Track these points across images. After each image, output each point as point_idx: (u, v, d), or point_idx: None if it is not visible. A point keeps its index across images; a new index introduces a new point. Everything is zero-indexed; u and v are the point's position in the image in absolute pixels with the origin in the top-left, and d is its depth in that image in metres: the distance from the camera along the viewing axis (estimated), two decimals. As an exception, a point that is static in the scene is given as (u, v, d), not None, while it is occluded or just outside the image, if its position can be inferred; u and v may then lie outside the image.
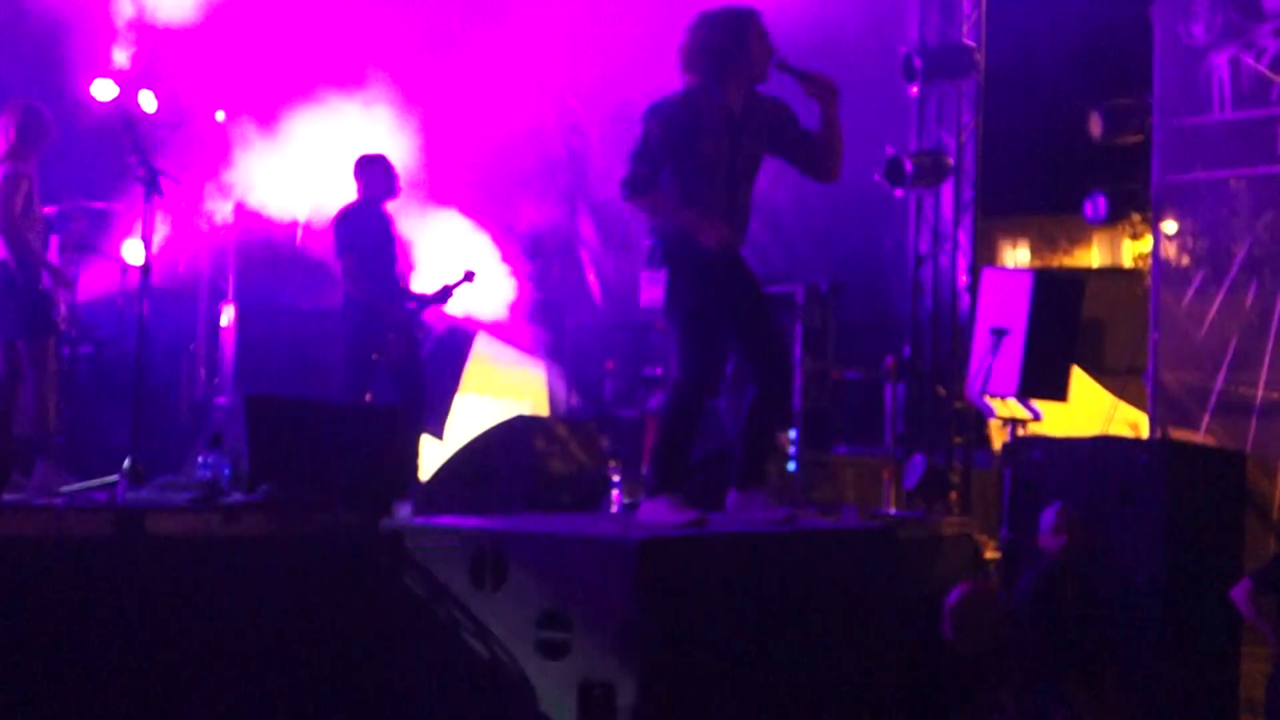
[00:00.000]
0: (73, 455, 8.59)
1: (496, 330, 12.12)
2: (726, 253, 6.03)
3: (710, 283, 5.99)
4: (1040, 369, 9.01)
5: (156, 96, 10.72)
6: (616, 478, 6.94)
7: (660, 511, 5.80)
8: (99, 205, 9.83)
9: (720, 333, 6.04)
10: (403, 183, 9.28)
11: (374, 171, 9.00)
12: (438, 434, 10.79)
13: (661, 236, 6.06)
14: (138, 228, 7.08)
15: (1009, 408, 9.25)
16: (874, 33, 11.14)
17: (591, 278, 12.90)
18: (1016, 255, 26.79)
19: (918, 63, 10.70)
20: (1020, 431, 9.17)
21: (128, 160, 7.25)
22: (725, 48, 5.96)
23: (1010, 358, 8.96)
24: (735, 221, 6.05)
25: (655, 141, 5.92)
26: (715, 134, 5.95)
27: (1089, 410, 11.63)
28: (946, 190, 10.79)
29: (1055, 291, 9.18)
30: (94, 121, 10.11)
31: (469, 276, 9.40)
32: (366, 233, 8.87)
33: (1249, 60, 9.56)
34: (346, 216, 8.93)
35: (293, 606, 5.58)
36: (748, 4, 6.08)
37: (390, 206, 9.17)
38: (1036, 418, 9.24)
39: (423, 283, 9.81)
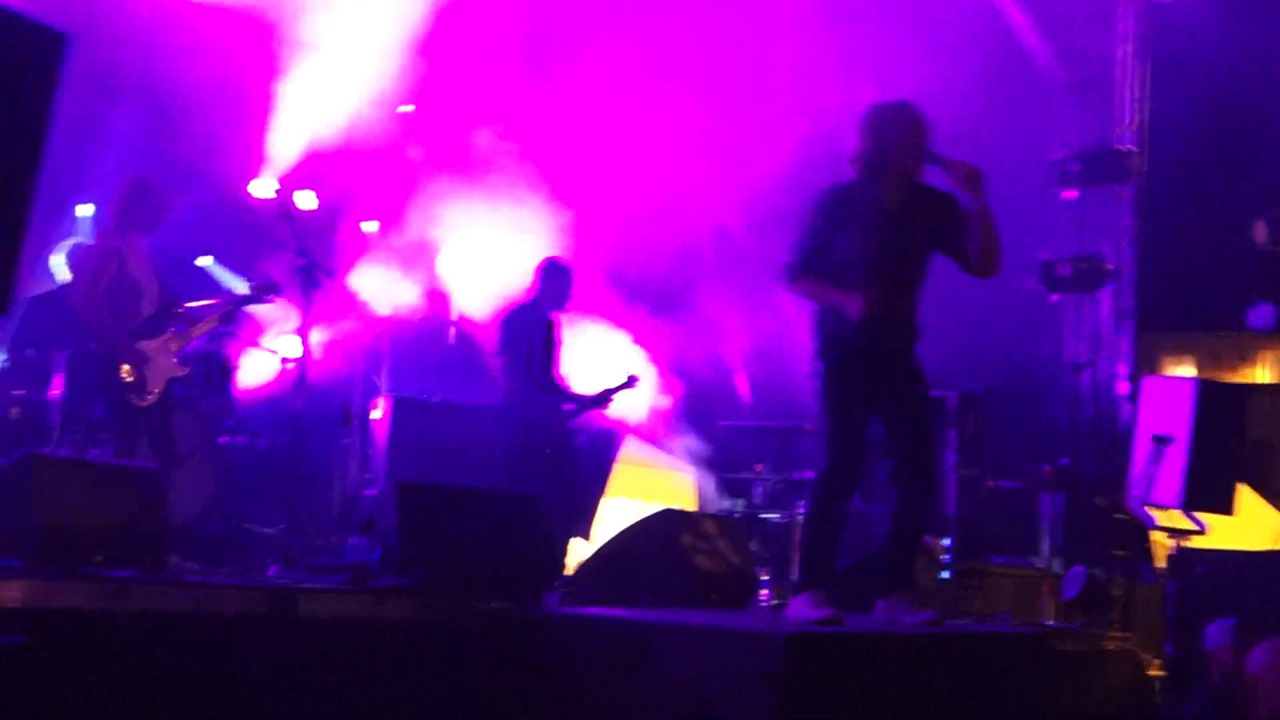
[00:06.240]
0: (226, 544, 8.70)
1: (644, 433, 12.07)
2: (886, 352, 5.95)
3: (858, 381, 5.91)
4: (1205, 480, 8.67)
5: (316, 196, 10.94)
6: (765, 578, 6.83)
7: (801, 608, 5.74)
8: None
9: (864, 431, 5.95)
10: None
11: (556, 279, 8.98)
12: (585, 535, 10.74)
13: (817, 331, 6.01)
14: (295, 322, 7.18)
15: (1172, 518, 8.93)
16: (1027, 136, 11.00)
17: (742, 379, 12.82)
18: (1180, 372, 26.16)
19: (1074, 168, 10.57)
20: (1184, 543, 8.84)
21: (287, 254, 7.33)
22: (875, 144, 5.93)
23: (1173, 467, 8.65)
24: (895, 317, 5.96)
25: (811, 229, 5.92)
26: (866, 226, 5.90)
27: (1257, 526, 11.17)
28: (1105, 297, 10.59)
29: (1220, 400, 8.87)
30: (251, 218, 10.32)
31: (632, 381, 9.34)
32: (533, 333, 8.85)
33: None
34: (515, 315, 8.93)
35: (439, 692, 5.53)
36: (900, 98, 6.06)
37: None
38: (1201, 530, 8.90)
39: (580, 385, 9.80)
